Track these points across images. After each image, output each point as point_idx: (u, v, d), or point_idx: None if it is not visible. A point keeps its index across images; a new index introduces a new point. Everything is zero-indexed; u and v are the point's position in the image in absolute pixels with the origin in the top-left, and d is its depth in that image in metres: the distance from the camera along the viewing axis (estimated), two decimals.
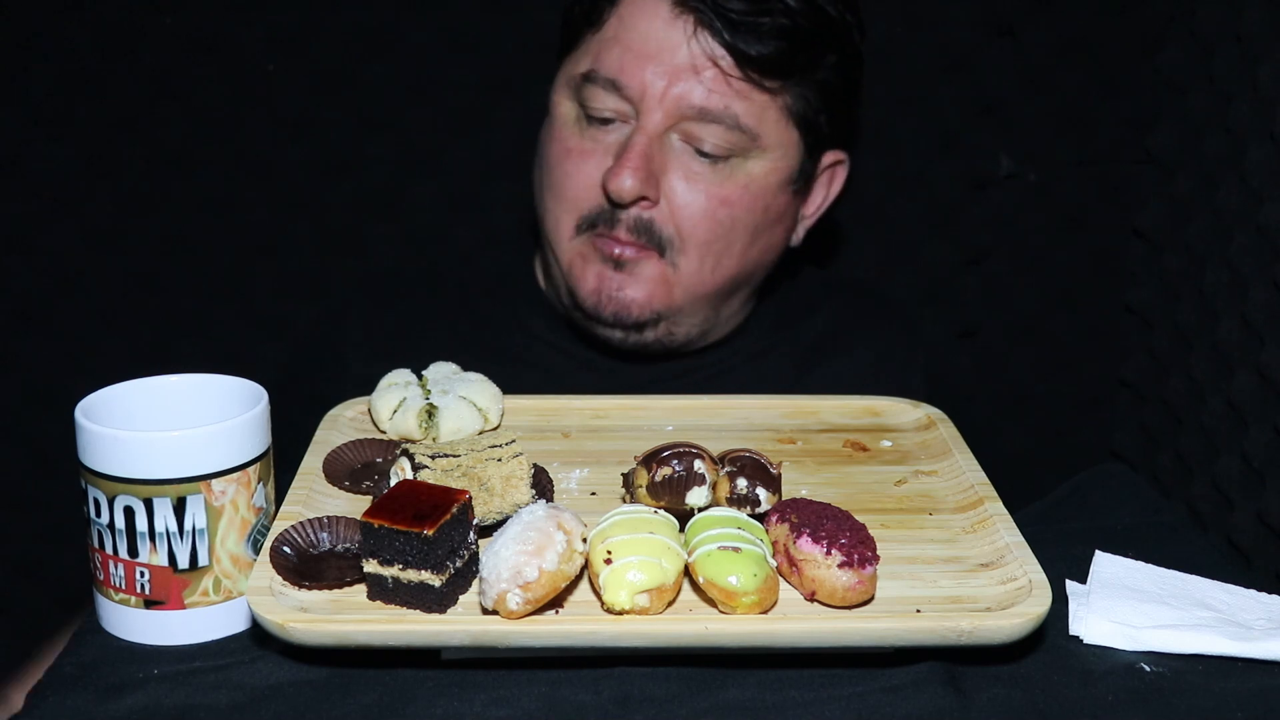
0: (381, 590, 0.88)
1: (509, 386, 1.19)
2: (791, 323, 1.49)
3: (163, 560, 0.89)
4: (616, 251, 1.31)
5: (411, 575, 0.87)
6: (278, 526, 0.94)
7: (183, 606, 0.91)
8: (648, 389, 1.34)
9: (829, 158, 1.41)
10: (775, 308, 1.49)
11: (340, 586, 0.90)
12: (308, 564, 0.92)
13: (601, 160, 1.31)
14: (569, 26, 1.37)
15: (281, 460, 1.00)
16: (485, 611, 0.86)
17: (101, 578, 0.92)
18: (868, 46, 1.40)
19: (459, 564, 0.89)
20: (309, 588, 0.89)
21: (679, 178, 1.30)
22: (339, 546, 0.95)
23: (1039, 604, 0.88)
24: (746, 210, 1.32)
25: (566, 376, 1.40)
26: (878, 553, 0.90)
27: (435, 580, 0.87)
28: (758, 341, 1.46)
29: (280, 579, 0.89)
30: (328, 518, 0.96)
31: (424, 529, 0.86)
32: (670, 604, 0.88)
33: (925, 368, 1.50)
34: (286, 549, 0.92)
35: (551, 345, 1.43)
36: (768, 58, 1.27)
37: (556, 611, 0.88)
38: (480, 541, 0.94)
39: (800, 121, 1.33)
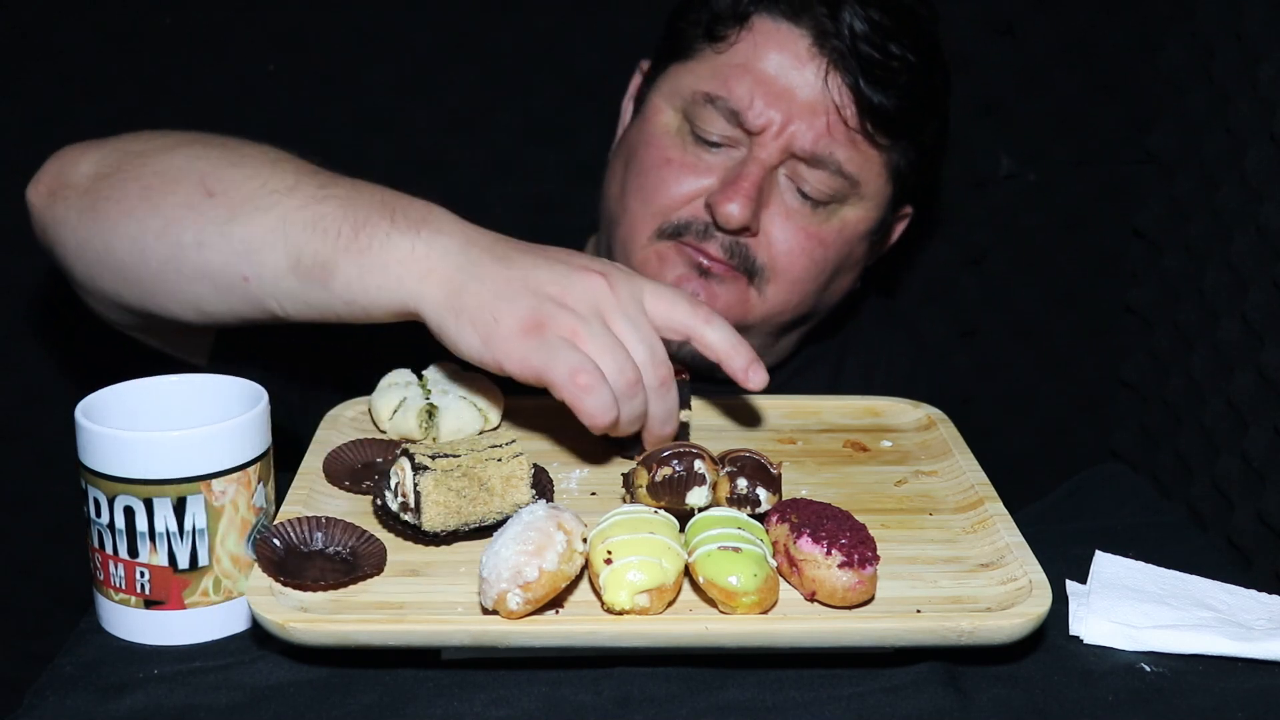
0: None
1: None
2: (816, 332, 1.49)
3: (163, 560, 0.89)
4: (705, 263, 1.29)
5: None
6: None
7: (183, 606, 0.91)
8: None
9: (901, 210, 1.43)
10: (816, 337, 1.49)
11: (315, 589, 0.89)
12: (292, 560, 0.92)
13: (703, 177, 1.29)
14: (682, 32, 1.34)
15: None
16: (485, 611, 0.86)
17: (101, 578, 0.92)
18: None
19: None
20: (284, 583, 0.89)
21: (779, 214, 1.29)
22: (330, 549, 0.94)
23: (1039, 604, 0.88)
24: (836, 253, 1.33)
25: None
26: (878, 553, 0.90)
27: (687, 416, 1.04)
28: (795, 355, 1.47)
29: (259, 570, 0.89)
30: (325, 518, 0.96)
31: None
32: (670, 604, 0.88)
33: (929, 382, 1.52)
34: (276, 541, 0.92)
35: None
36: (888, 111, 1.27)
37: (556, 611, 0.88)
38: (480, 542, 0.94)
39: (896, 178, 1.34)
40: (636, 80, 1.43)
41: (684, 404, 1.07)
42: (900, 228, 1.46)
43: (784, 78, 1.27)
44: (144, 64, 1.59)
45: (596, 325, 0.98)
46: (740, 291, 1.31)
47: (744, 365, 1.03)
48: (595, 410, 0.96)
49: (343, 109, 1.63)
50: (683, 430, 1.07)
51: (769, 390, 1.38)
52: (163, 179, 1.08)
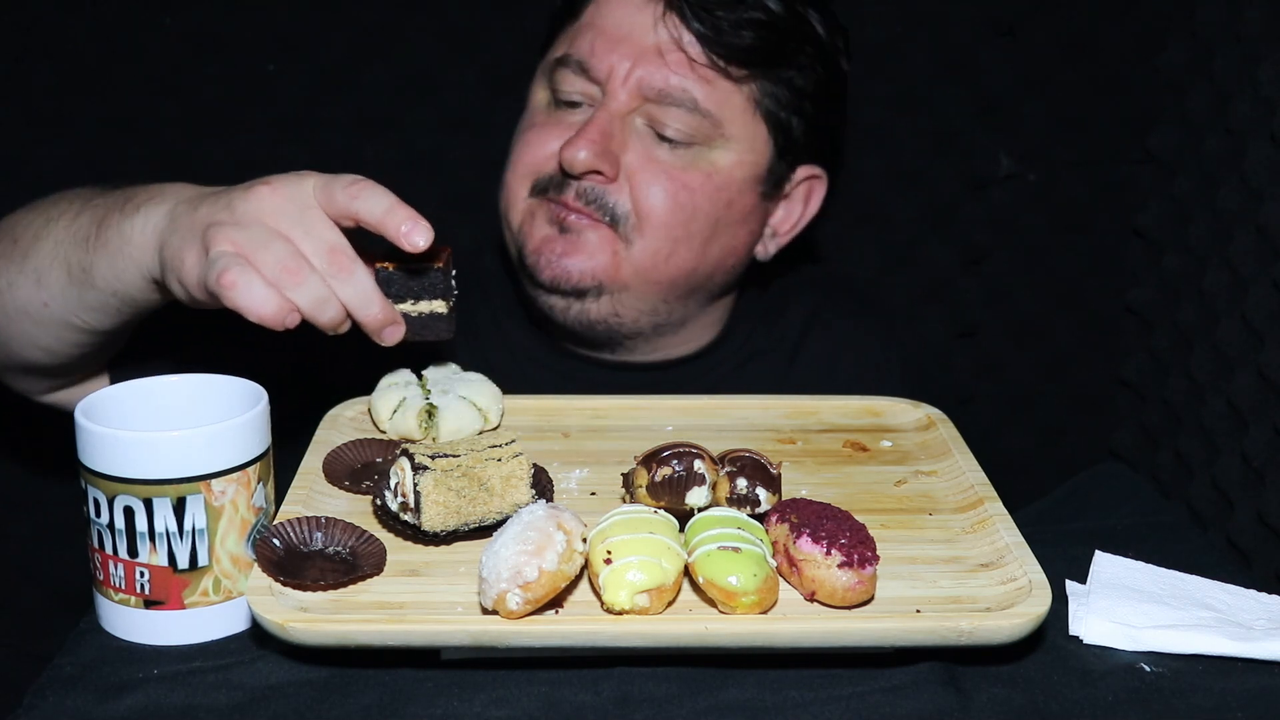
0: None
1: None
2: (770, 322, 1.48)
3: (163, 560, 0.89)
4: (562, 215, 1.31)
5: (423, 307, 1.05)
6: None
7: (183, 606, 0.91)
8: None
9: (805, 170, 1.39)
10: (754, 310, 1.48)
11: (315, 589, 0.89)
12: (292, 560, 0.92)
13: (563, 135, 1.32)
14: (551, 26, 1.40)
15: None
16: (485, 611, 0.86)
17: (101, 578, 0.92)
18: (867, 45, 1.40)
19: (454, 300, 1.06)
20: (284, 583, 0.89)
21: (640, 159, 1.30)
22: (330, 549, 0.94)
23: (1039, 604, 0.88)
24: (708, 200, 1.32)
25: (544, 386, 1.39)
26: (878, 553, 0.90)
27: (443, 307, 1.05)
28: (742, 347, 1.46)
29: (259, 570, 0.89)
30: (325, 518, 0.96)
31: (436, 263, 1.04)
32: (670, 604, 0.88)
33: (902, 361, 1.50)
34: (276, 541, 0.92)
35: (531, 357, 1.43)
36: (735, 44, 1.28)
37: (556, 611, 0.88)
38: (480, 542, 0.94)
39: (769, 118, 1.33)
40: None
41: (439, 294, 1.06)
42: (815, 192, 1.42)
43: (623, 25, 1.31)
44: (144, 64, 1.59)
45: (255, 229, 0.98)
46: (606, 241, 1.31)
47: (399, 228, 0.98)
48: (249, 302, 0.95)
49: (343, 109, 1.63)
50: (439, 321, 1.07)
51: (766, 389, 1.39)
52: None
